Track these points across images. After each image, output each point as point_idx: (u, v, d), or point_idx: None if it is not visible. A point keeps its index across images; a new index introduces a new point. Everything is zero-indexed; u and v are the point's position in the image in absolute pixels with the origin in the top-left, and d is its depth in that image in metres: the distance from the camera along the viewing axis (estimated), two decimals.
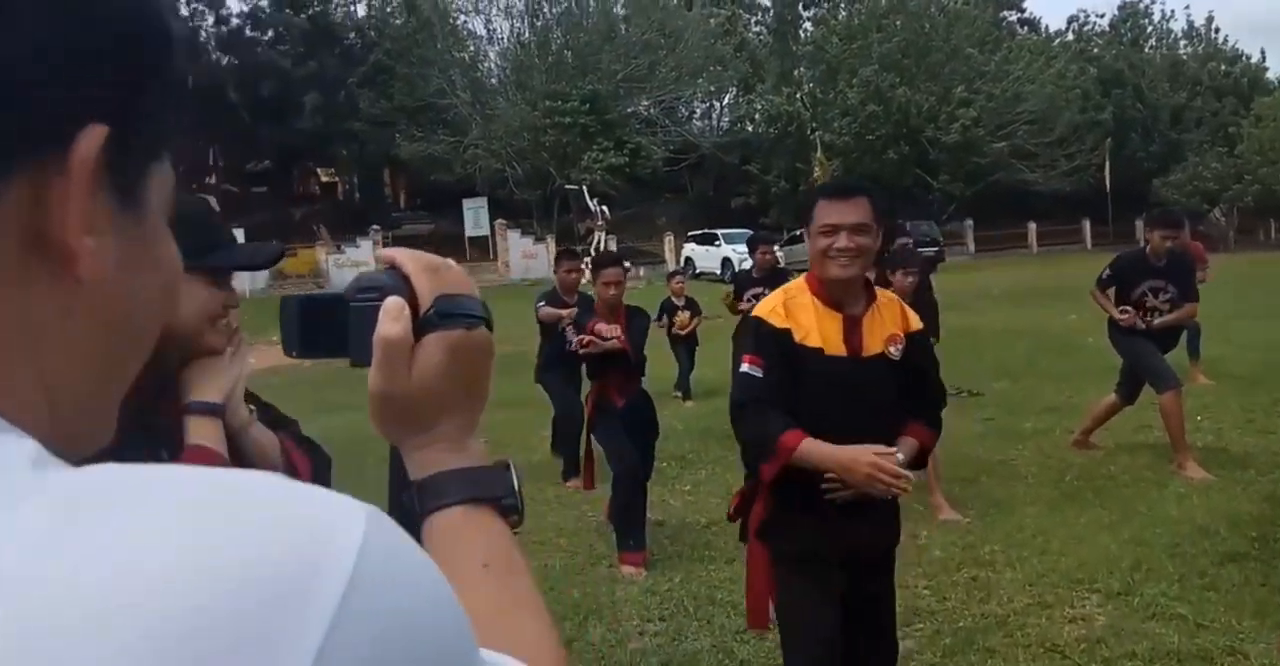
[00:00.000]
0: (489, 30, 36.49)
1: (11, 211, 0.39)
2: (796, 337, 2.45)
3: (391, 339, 0.65)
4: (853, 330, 2.49)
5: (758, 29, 43.16)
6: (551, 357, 6.67)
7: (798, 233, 30.67)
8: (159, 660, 0.32)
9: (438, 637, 0.41)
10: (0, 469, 0.37)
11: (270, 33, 35.39)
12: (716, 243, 29.40)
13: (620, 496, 4.86)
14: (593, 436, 5.23)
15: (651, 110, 36.15)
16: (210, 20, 35.00)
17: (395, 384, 0.66)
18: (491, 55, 36.87)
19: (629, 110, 35.24)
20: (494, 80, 35.98)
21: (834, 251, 2.42)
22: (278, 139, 33.52)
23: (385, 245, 24.02)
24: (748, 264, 9.37)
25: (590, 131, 32.15)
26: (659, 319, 9.04)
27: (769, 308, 2.52)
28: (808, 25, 41.62)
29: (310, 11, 34.58)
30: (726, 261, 27.57)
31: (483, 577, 0.64)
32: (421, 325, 0.66)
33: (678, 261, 29.72)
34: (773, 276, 8.52)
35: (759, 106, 38.08)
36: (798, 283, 2.60)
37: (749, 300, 8.27)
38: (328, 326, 0.69)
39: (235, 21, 35.28)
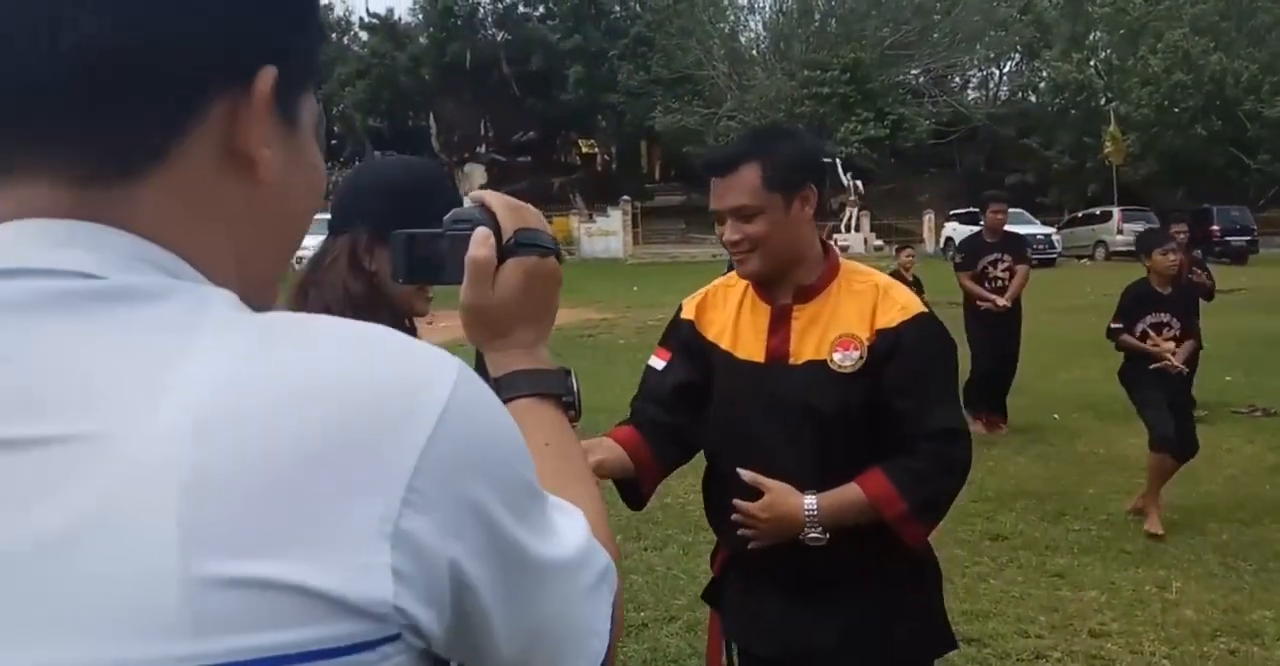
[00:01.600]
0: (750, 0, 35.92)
1: (212, 130, 0.55)
2: (705, 334, 1.89)
3: (479, 260, 0.80)
4: (776, 327, 1.80)
5: None
6: None
7: (1078, 214, 28.25)
8: (325, 430, 0.48)
9: (509, 460, 0.57)
10: (220, 307, 0.53)
11: (541, 8, 36.81)
12: (980, 221, 27.29)
13: None
14: None
15: (920, 79, 34.08)
16: None
17: (481, 298, 0.81)
18: (752, 25, 36.42)
19: (895, 79, 33.40)
20: (753, 51, 35.33)
21: (729, 244, 1.80)
22: (543, 110, 34.95)
23: (635, 215, 24.95)
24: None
25: (849, 102, 30.80)
26: None
27: (692, 295, 2.00)
28: None
29: None
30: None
31: (545, 452, 0.76)
32: (503, 251, 0.81)
33: (937, 241, 27.98)
34: (1009, 241, 7.33)
35: (1044, 74, 34.88)
36: None
37: (983, 269, 7.15)
38: (425, 258, 0.84)
39: None
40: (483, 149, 35.07)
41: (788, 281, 1.81)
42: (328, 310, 1.39)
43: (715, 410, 1.87)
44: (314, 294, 1.42)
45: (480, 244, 0.80)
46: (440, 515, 0.51)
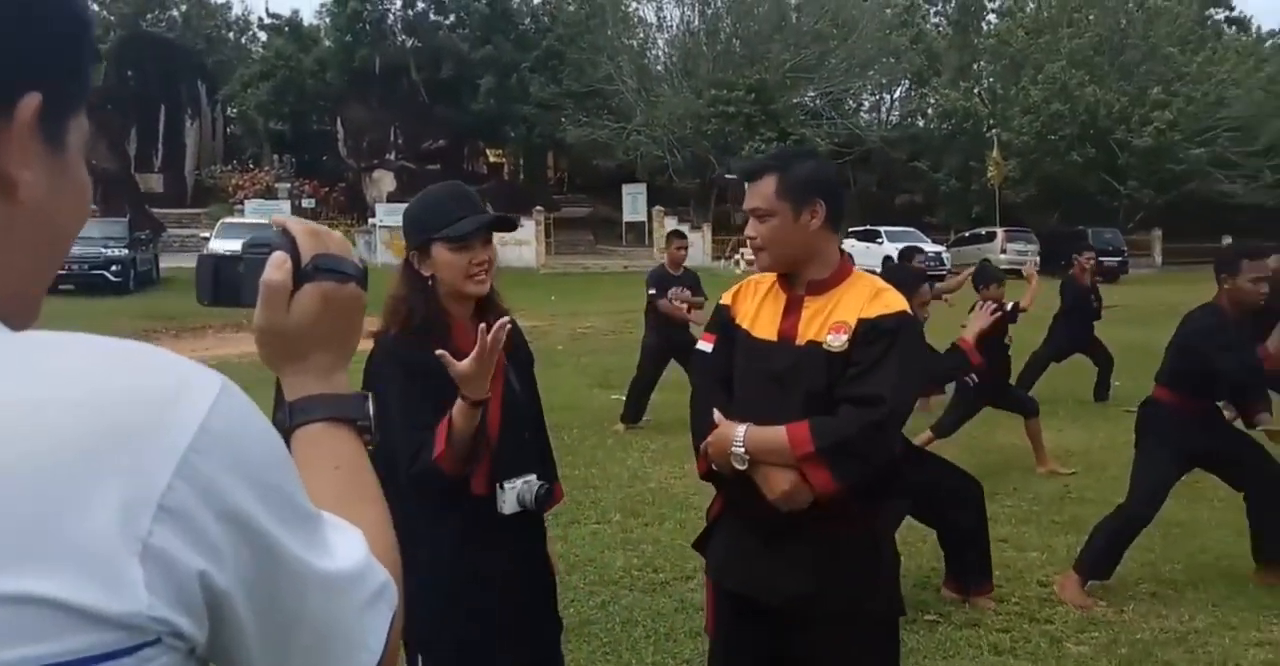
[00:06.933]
0: (659, 17, 36.62)
1: None
2: (734, 318, 2.25)
3: (272, 283, 0.79)
4: (789, 313, 2.15)
5: (937, 20, 41.70)
6: None
7: (965, 234, 29.92)
8: (66, 442, 0.50)
9: (272, 474, 0.59)
10: None
11: (452, 17, 36.68)
12: (879, 240, 28.69)
13: None
14: None
15: (818, 101, 35.48)
16: (398, 4, 36.70)
17: (274, 321, 0.80)
18: (660, 42, 36.98)
19: (795, 101, 34.70)
20: (660, 67, 36.07)
21: (748, 239, 2.20)
22: (452, 119, 34.70)
23: (547, 225, 25.03)
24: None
25: (754, 121, 31.85)
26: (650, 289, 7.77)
27: (731, 287, 2.35)
28: (991, 17, 39.93)
29: None
30: (887, 259, 26.65)
31: (333, 476, 0.78)
32: (300, 276, 0.80)
33: None
34: (690, 275, 8.13)
35: (933, 101, 36.85)
36: None
37: (669, 299, 7.74)
38: (227, 280, 0.84)
39: (420, 5, 36.84)
40: (392, 156, 34.68)
41: (803, 276, 2.14)
42: (395, 308, 1.98)
43: (741, 383, 2.20)
44: (389, 302, 2.00)
45: (275, 267, 0.78)
46: (195, 528, 0.52)
